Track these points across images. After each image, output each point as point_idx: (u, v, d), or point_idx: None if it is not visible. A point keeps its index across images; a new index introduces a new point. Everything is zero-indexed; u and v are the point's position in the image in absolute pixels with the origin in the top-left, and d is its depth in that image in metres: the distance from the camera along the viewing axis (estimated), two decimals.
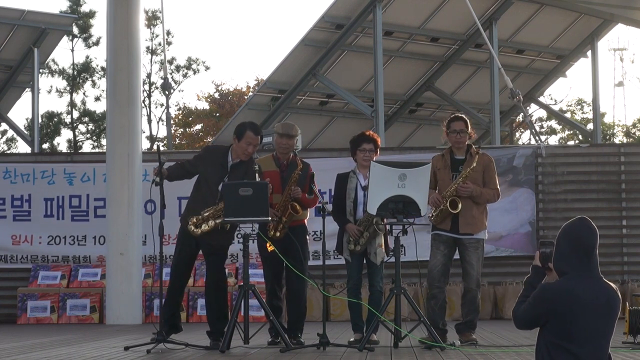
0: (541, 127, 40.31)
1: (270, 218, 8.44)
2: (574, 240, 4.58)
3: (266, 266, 9.12)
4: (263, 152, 14.47)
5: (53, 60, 36.22)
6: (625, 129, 42.68)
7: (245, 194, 8.23)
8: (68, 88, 37.70)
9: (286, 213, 8.88)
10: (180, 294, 9.12)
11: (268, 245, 8.73)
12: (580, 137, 35.83)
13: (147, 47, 37.86)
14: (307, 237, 9.28)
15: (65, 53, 44.37)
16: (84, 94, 38.52)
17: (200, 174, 8.97)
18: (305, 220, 9.16)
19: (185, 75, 39.50)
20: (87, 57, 44.27)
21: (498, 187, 9.16)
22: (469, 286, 9.02)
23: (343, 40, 18.61)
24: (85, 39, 36.85)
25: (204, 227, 8.70)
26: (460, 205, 8.85)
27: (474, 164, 8.94)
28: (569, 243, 4.58)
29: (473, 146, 9.14)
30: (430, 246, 9.07)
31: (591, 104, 27.65)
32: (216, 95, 41.14)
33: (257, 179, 8.53)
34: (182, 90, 60.33)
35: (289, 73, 19.19)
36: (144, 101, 36.79)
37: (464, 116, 9.34)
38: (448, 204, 8.87)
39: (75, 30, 35.67)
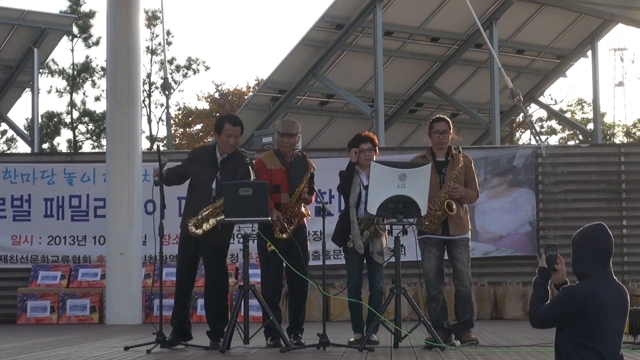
0: (541, 127, 40.27)
1: (270, 218, 8.46)
2: (593, 245, 4.91)
3: (268, 267, 9.08)
4: (263, 152, 14.45)
5: (53, 60, 36.22)
6: (625, 129, 42.64)
7: (245, 194, 8.24)
8: (68, 88, 37.69)
9: (297, 215, 8.91)
10: (187, 299, 9.11)
11: (268, 245, 8.74)
12: (580, 137, 35.80)
13: (147, 47, 37.88)
14: (308, 236, 9.30)
15: (65, 53, 44.40)
16: (84, 94, 38.53)
17: (192, 176, 8.99)
18: (305, 220, 9.17)
19: (185, 75, 39.50)
20: (87, 57, 44.25)
21: (478, 188, 9.27)
22: (462, 284, 9.02)
23: (343, 40, 18.61)
24: (85, 39, 36.82)
25: (205, 226, 8.70)
26: (455, 206, 8.88)
27: (461, 164, 8.97)
28: (589, 248, 4.91)
29: (452, 148, 9.16)
30: (421, 251, 9.09)
31: (591, 104, 27.65)
32: (216, 95, 41.13)
33: (251, 172, 8.57)
34: (182, 90, 60.31)
35: (289, 73, 19.20)
36: (144, 101, 36.79)
37: (446, 117, 9.36)
38: (445, 206, 8.88)
39: (75, 30, 35.65)
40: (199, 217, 8.71)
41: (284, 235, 8.85)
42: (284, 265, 8.89)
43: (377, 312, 8.63)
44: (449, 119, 9.32)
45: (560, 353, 4.94)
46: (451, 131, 9.21)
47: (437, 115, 9.64)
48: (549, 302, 4.97)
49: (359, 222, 8.98)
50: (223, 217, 8.54)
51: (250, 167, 8.65)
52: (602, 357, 4.85)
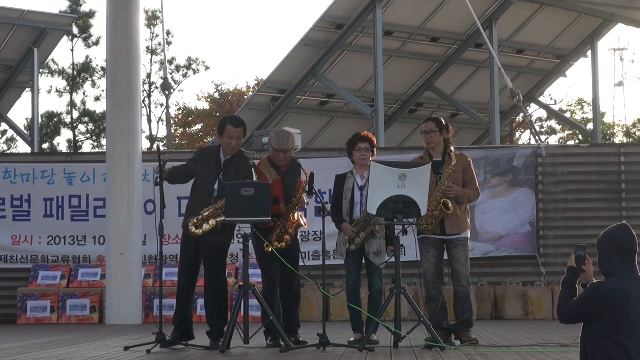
0: (541, 127, 40.30)
1: (270, 218, 8.46)
2: (618, 245, 5.15)
3: (266, 270, 9.10)
4: (264, 152, 14.46)
5: (53, 60, 36.25)
6: (625, 129, 42.66)
7: (247, 194, 8.23)
8: (68, 88, 37.70)
9: (294, 224, 8.93)
10: (189, 299, 9.11)
11: (266, 245, 8.74)
12: (580, 137, 35.82)
13: (147, 47, 37.90)
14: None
15: (65, 53, 44.38)
16: (84, 94, 38.57)
17: (196, 176, 9.00)
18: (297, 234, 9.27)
19: (185, 75, 39.52)
20: (87, 57, 44.26)
21: (478, 186, 9.27)
22: (460, 283, 9.03)
23: (343, 40, 18.61)
24: (85, 39, 36.85)
25: (205, 226, 8.70)
26: (451, 205, 8.87)
27: (454, 162, 8.96)
28: (614, 248, 5.16)
29: (452, 147, 9.15)
30: (420, 250, 9.09)
31: (591, 104, 27.66)
32: (216, 95, 41.14)
33: (254, 175, 8.57)
34: (182, 90, 60.30)
35: (289, 73, 19.19)
36: (144, 101, 36.79)
37: (438, 118, 9.31)
38: (442, 205, 8.87)
39: (75, 30, 35.67)
40: (200, 217, 8.71)
41: (283, 244, 8.86)
42: (280, 265, 8.91)
43: (376, 316, 8.63)
44: (441, 120, 9.27)
45: (585, 348, 5.16)
46: (445, 131, 9.13)
47: (430, 116, 9.63)
48: (576, 298, 5.20)
49: (355, 223, 8.98)
50: (224, 218, 8.54)
51: (253, 169, 8.66)
52: (626, 350, 5.03)
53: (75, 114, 38.19)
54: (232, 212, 8.31)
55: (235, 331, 8.36)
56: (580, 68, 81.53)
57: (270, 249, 8.72)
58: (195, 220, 8.71)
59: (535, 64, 21.91)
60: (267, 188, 8.35)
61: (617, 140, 40.42)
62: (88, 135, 38.76)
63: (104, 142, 35.95)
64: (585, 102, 40.79)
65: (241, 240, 8.56)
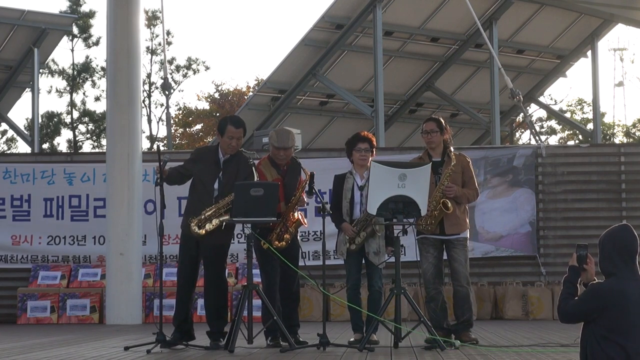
0: (541, 127, 40.30)
1: (276, 218, 8.47)
2: (619, 245, 5.18)
3: (267, 270, 9.10)
4: (264, 152, 14.46)
5: (53, 60, 36.25)
6: (625, 129, 42.65)
7: (256, 194, 8.24)
8: (68, 88, 37.70)
9: (294, 223, 8.94)
10: (189, 299, 9.10)
11: (262, 243, 8.74)
12: (580, 137, 35.82)
13: (147, 47, 37.90)
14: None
15: (65, 53, 44.41)
16: (84, 94, 38.56)
17: (194, 176, 9.00)
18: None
19: (185, 75, 39.51)
20: (87, 57, 44.27)
21: (477, 187, 9.28)
22: (460, 283, 9.04)
23: (343, 40, 18.61)
24: (85, 39, 36.85)
25: (208, 226, 8.70)
26: (450, 205, 8.88)
27: (453, 162, 8.97)
28: (615, 248, 5.18)
29: (451, 148, 9.15)
30: (419, 251, 9.09)
31: (591, 104, 27.66)
32: (216, 95, 41.14)
33: (255, 174, 8.59)
34: (182, 90, 60.29)
35: (289, 73, 19.19)
36: (144, 101, 36.79)
37: (438, 118, 9.33)
38: (442, 205, 8.88)
39: (75, 30, 35.67)
40: (202, 217, 8.70)
41: (283, 243, 8.86)
42: (280, 264, 8.91)
43: (376, 315, 8.62)
44: (441, 120, 9.28)
45: (585, 348, 5.17)
46: (445, 131, 9.14)
47: (430, 116, 9.65)
48: (577, 298, 5.22)
49: (355, 223, 8.99)
50: (226, 217, 8.54)
51: (253, 167, 8.67)
52: (625, 351, 5.05)
53: (75, 114, 38.20)
54: (240, 212, 8.31)
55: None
56: (580, 68, 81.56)
57: (266, 246, 8.72)
58: (197, 220, 8.71)
59: (535, 64, 21.91)
60: (276, 188, 8.38)
61: (617, 140, 40.42)
62: (88, 135, 38.77)
63: (104, 142, 35.96)
64: (585, 102, 40.80)
65: (241, 240, 8.57)
